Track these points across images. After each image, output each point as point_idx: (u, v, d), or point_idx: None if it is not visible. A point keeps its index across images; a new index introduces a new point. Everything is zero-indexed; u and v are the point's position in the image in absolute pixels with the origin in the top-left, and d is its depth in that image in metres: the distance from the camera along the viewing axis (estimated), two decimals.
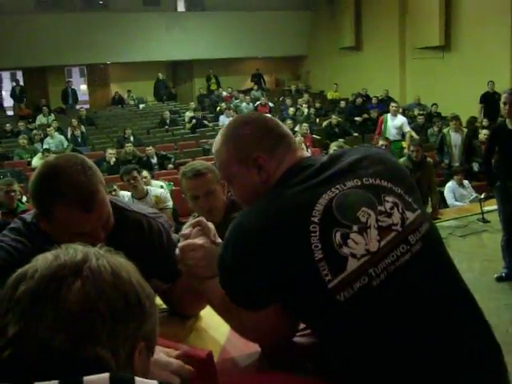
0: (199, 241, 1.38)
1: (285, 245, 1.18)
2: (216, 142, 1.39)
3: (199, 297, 1.50)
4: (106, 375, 0.70)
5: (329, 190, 1.22)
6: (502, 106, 4.89)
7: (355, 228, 1.19)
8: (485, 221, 6.26)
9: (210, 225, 1.42)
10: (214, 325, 1.61)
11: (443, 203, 7.34)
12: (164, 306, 1.80)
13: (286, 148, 1.35)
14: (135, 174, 5.99)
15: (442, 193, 7.34)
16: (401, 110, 11.74)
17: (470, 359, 1.18)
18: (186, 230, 1.42)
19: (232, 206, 2.58)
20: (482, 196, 6.45)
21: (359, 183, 1.26)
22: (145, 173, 7.20)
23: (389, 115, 10.36)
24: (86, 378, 0.70)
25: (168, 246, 1.65)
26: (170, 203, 7.19)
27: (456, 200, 7.36)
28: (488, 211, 6.33)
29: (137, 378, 0.73)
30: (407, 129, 10.19)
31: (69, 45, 16.09)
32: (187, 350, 1.22)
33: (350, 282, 1.14)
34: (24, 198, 6.24)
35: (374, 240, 1.18)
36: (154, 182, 7.39)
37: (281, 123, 1.43)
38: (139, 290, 0.82)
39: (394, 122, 10.18)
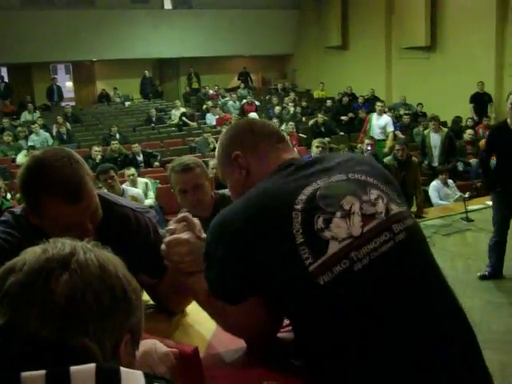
0: (184, 236, 1.39)
1: (266, 233, 1.19)
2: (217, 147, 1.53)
3: (185, 292, 1.52)
4: (92, 365, 0.71)
5: (313, 183, 1.25)
6: (509, 106, 4.57)
7: (338, 214, 1.20)
8: (469, 220, 6.30)
9: (196, 220, 1.44)
10: (200, 320, 1.62)
11: (428, 202, 7.39)
12: (151, 302, 1.81)
13: (268, 146, 1.41)
14: (112, 173, 5.78)
15: (426, 192, 7.39)
16: (386, 110, 11.80)
17: (449, 350, 1.17)
18: (171, 225, 1.43)
19: (221, 200, 2.59)
20: (466, 195, 6.49)
21: (345, 177, 1.29)
22: (132, 170, 7.18)
23: (374, 114, 10.42)
24: (73, 369, 0.70)
25: (155, 240, 1.65)
26: (151, 201, 7.21)
27: (440, 199, 7.41)
28: (472, 210, 6.39)
29: (122, 369, 0.74)
30: (391, 129, 10.23)
31: (55, 42, 15.94)
32: (174, 346, 1.23)
33: (330, 265, 1.15)
34: (8, 196, 6.19)
35: (356, 225, 1.20)
36: (139, 179, 7.39)
37: (270, 124, 1.52)
38: (126, 283, 0.83)
39: (379, 122, 10.23)
